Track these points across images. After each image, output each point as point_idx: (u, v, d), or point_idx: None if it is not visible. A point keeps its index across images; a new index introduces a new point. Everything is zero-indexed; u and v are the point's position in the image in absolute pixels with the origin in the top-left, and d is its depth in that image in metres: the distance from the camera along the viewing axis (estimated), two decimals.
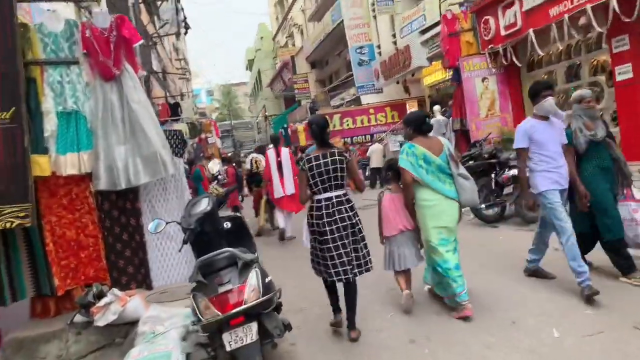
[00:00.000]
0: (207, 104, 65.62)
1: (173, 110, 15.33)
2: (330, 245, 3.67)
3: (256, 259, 3.24)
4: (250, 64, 50.45)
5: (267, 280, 3.13)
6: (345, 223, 3.69)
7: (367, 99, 20.05)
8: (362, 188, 4.21)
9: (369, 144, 18.48)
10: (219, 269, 3.06)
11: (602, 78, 8.78)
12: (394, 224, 4.18)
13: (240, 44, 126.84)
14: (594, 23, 7.47)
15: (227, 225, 3.62)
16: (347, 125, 19.04)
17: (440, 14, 14.21)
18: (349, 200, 3.79)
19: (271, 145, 8.58)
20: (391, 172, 4.30)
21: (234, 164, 14.08)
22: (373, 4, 19.00)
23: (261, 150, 10.27)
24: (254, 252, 3.44)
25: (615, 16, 7.13)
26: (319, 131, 3.85)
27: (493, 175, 7.03)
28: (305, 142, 21.82)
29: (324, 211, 3.70)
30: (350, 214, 3.74)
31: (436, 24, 14.44)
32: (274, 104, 39.96)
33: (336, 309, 3.91)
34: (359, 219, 3.83)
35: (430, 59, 15.54)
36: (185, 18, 14.59)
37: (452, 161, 3.95)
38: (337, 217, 3.68)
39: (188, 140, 16.43)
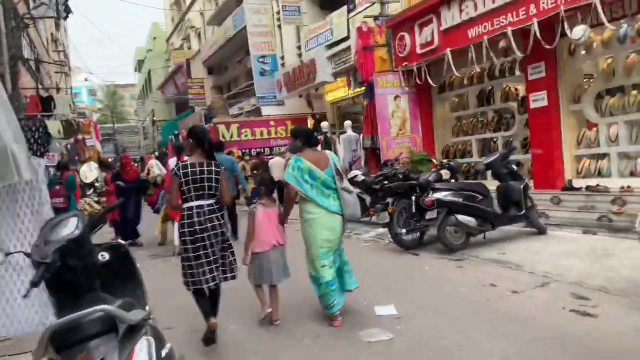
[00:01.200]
0: (87, 104, 61.02)
1: (45, 104, 13.12)
2: (201, 252, 3.75)
3: (147, 317, 2.10)
4: (139, 65, 47.26)
5: (164, 353, 2.05)
6: (216, 231, 3.80)
7: (268, 111, 19.20)
8: (229, 200, 4.16)
9: (269, 157, 17.64)
10: (87, 337, 1.89)
11: (513, 105, 8.83)
12: (266, 239, 4.18)
13: (129, 41, 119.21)
14: (514, 47, 7.36)
15: (104, 257, 2.45)
16: (246, 136, 18.03)
17: (349, 29, 13.97)
18: (220, 209, 3.90)
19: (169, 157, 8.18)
20: (263, 187, 4.36)
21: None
22: (278, 13, 18.32)
23: (162, 156, 9.11)
24: (145, 303, 2.35)
25: (535, 42, 7.06)
26: (199, 140, 3.92)
27: (413, 198, 6.50)
28: None
29: (195, 219, 3.77)
30: (221, 222, 3.87)
31: (343, 40, 14.15)
32: (164, 109, 37.49)
33: (208, 314, 3.79)
34: (227, 228, 4.02)
35: (335, 75, 15.23)
36: (66, 0, 12.60)
37: (337, 175, 4.10)
38: (208, 225, 3.77)
39: (60, 142, 14.17)
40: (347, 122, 10.60)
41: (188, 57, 28.21)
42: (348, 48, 13.83)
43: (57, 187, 8.19)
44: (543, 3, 6.99)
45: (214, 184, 3.83)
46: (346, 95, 17.20)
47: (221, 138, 17.62)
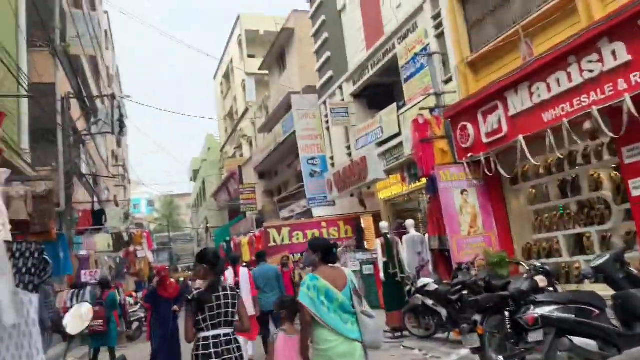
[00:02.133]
0: (145, 214, 63.31)
1: (96, 218, 12.98)
2: None
3: None
4: (195, 175, 49.10)
5: None
6: None
7: (319, 212, 18.58)
8: (248, 327, 3.89)
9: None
10: None
11: (607, 193, 7.55)
12: None
13: (185, 151, 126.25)
14: (603, 128, 6.34)
15: None
16: (297, 239, 17.26)
17: (400, 125, 13.47)
18: (236, 340, 3.65)
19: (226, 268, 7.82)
20: (285, 311, 4.03)
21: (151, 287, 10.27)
22: (326, 116, 18.33)
23: (234, 260, 8.88)
24: None
25: (631, 119, 6.03)
26: (214, 261, 3.72)
27: (507, 314, 5.22)
28: (250, 256, 19.75)
29: (212, 350, 3.50)
30: (239, 354, 3.62)
31: (394, 136, 13.62)
32: (217, 216, 37.86)
33: None
34: None
35: (388, 172, 14.54)
36: (121, 116, 12.94)
37: (356, 297, 3.63)
38: (225, 356, 3.51)
39: (110, 255, 13.84)
40: (410, 222, 9.54)
41: (240, 164, 28.70)
42: (400, 144, 13.26)
43: (97, 308, 7.46)
44: (635, 77, 6.06)
45: (230, 309, 3.62)
46: (400, 192, 16.37)
47: (272, 243, 16.98)
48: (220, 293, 3.59)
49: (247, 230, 22.94)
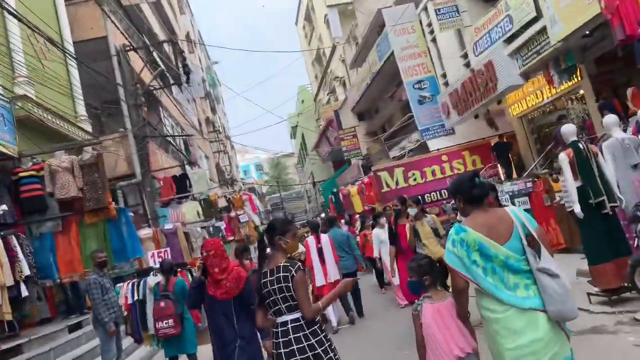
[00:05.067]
0: (256, 179, 65.09)
1: (180, 184, 11.25)
2: None
3: None
4: (294, 132, 47.87)
5: None
6: (305, 355, 2.90)
7: (436, 144, 15.56)
8: (308, 315, 3.02)
9: (442, 201, 13.75)
10: None
11: None
12: (446, 349, 2.90)
13: (282, 113, 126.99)
14: None
15: None
16: (415, 179, 14.54)
17: (537, 4, 9.83)
18: (309, 325, 3.01)
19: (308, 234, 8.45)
20: (427, 277, 3.07)
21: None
22: (430, 25, 14.88)
23: (314, 228, 8.45)
24: None
25: None
26: (271, 235, 3.16)
27: None
28: (362, 207, 17.43)
29: (280, 339, 2.98)
30: (315, 345, 2.94)
31: (531, 22, 10.01)
32: (323, 169, 36.13)
33: None
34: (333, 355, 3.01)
35: (525, 75, 11.03)
36: (185, 65, 10.88)
37: (530, 248, 2.57)
38: (294, 347, 2.92)
39: (203, 225, 12.10)
40: (610, 118, 5.83)
41: (336, 109, 26.17)
42: (542, 31, 9.70)
43: (162, 303, 5.42)
44: None
45: (286, 293, 2.99)
46: (540, 102, 12.72)
47: (385, 188, 14.40)
48: (274, 276, 3.01)
49: (355, 178, 20.63)
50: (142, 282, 5.97)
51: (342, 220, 16.86)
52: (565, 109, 12.41)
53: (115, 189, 9.95)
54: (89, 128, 9.69)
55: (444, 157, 14.65)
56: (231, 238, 14.93)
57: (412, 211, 6.28)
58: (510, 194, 8.72)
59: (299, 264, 3.12)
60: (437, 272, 3.11)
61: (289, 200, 54.71)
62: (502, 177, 13.05)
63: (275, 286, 3.01)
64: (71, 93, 9.45)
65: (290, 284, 2.98)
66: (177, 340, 5.38)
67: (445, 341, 2.91)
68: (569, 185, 4.92)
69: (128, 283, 6.15)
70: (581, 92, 11.36)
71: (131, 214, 8.08)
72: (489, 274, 2.58)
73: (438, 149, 15.14)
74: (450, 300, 2.98)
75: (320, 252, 7.81)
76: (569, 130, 5.14)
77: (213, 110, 35.79)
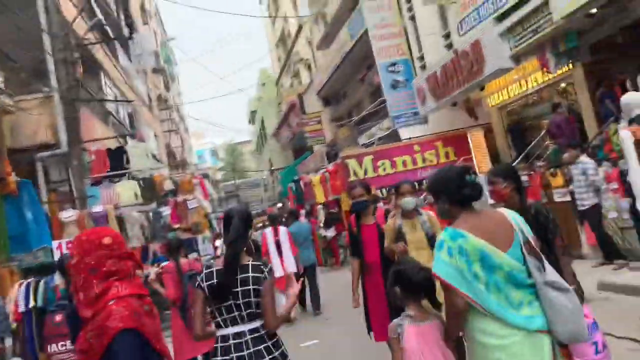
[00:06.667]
0: (211, 165, 63.56)
1: (114, 158, 9.53)
2: None
3: None
4: (252, 117, 46.11)
5: None
6: None
7: (408, 133, 14.46)
8: (273, 325, 2.59)
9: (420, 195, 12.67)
10: None
11: None
12: None
13: (242, 100, 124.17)
14: None
15: None
16: (384, 169, 13.43)
17: None
18: (271, 337, 2.57)
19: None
20: (404, 292, 2.59)
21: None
22: (408, 1, 13.65)
23: (273, 221, 8.50)
24: None
25: None
26: (239, 227, 2.63)
27: None
28: (324, 198, 16.13)
29: (234, 354, 2.48)
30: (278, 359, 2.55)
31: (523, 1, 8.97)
32: (282, 156, 34.70)
33: None
34: None
35: (516, 58, 9.96)
36: (128, 17, 9.15)
37: (531, 257, 2.23)
38: None
39: (134, 214, 10.25)
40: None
41: (300, 92, 24.74)
42: (542, 6, 8.60)
43: (57, 317, 3.85)
44: None
45: (252, 298, 2.54)
46: (524, 92, 11.78)
47: (352, 177, 13.14)
48: (238, 276, 2.55)
49: (318, 166, 19.30)
50: (42, 283, 4.36)
51: (302, 211, 15.50)
52: (550, 100, 11.48)
53: (33, 159, 8.18)
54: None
55: (416, 147, 13.61)
56: (177, 226, 13.23)
57: (408, 203, 4.10)
58: None
59: (271, 265, 2.71)
60: (414, 287, 2.60)
61: (245, 188, 53.10)
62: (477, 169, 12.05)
63: (240, 289, 2.53)
64: None
65: (260, 288, 2.55)
66: None
67: None
68: (632, 172, 3.70)
69: (21, 284, 4.50)
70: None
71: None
72: (492, 290, 2.21)
73: (410, 138, 14.04)
74: (435, 322, 2.59)
75: (277, 244, 7.80)
76: (634, 100, 3.92)
77: (167, 87, 33.56)
